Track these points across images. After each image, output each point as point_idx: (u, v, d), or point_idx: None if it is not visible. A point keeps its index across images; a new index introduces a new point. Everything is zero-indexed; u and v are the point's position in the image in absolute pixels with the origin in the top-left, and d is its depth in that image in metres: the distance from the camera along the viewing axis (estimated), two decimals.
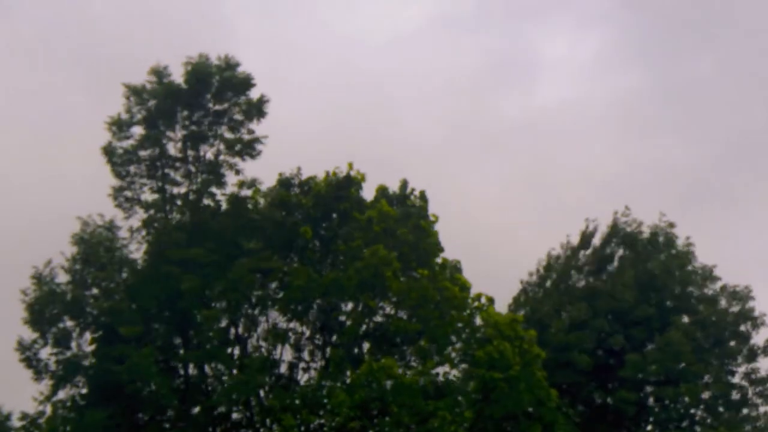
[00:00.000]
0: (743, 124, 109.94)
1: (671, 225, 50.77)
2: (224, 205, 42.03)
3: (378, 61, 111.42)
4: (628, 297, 47.74)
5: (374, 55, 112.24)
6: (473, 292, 40.53)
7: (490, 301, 40.91)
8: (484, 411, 39.00)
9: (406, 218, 41.66)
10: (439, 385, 39.40)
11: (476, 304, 40.18)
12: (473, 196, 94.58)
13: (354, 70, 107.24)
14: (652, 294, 48.59)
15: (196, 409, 40.21)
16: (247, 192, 42.16)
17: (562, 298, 49.58)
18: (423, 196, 43.91)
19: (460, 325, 39.73)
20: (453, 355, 39.93)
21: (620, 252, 51.04)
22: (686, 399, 46.69)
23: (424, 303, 39.46)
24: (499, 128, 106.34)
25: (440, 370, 40.02)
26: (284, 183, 42.66)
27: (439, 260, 41.52)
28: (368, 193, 42.75)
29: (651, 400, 47.59)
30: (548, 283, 51.26)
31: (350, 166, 42.61)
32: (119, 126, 42.05)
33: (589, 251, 51.30)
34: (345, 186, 42.41)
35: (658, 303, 48.42)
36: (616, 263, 50.72)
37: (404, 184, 44.43)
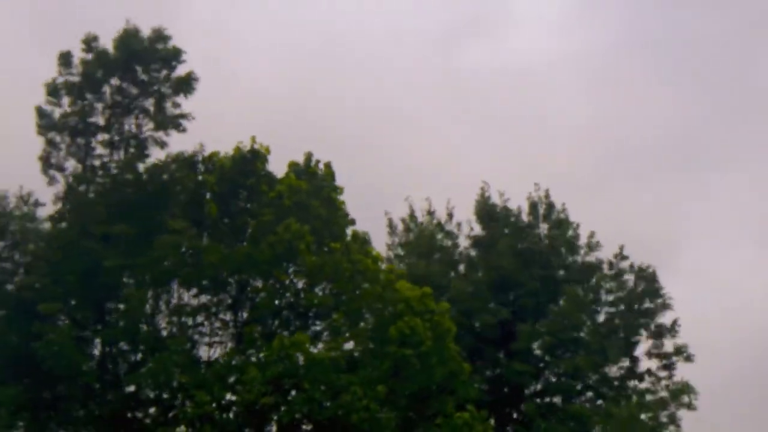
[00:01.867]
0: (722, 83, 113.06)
1: (547, 195, 51.25)
2: (146, 179, 41.01)
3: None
4: (508, 265, 48.04)
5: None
6: None
7: (402, 274, 40.97)
8: (397, 386, 38.97)
9: (317, 191, 41.29)
10: (351, 360, 39.19)
11: (389, 276, 40.06)
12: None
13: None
14: (535, 265, 49.04)
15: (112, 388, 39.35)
16: (171, 166, 41.25)
17: (446, 269, 49.71)
18: (329, 168, 43.44)
19: (373, 299, 39.57)
20: (366, 330, 39.75)
21: (496, 225, 51.25)
22: (584, 371, 47.39)
23: (338, 277, 39.24)
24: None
25: (353, 344, 39.84)
26: (189, 161, 41.73)
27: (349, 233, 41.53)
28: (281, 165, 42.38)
29: (548, 372, 48.15)
30: (436, 255, 51.13)
31: (253, 140, 42.02)
32: (52, 92, 40.98)
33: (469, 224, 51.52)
34: (250, 160, 41.75)
35: (544, 275, 48.90)
36: (497, 236, 50.80)
37: (309, 156, 43.88)
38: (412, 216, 52.15)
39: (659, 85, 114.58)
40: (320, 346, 39.40)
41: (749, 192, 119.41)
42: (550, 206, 51.07)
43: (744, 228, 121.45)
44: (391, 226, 52.11)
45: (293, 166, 42.50)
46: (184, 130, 41.62)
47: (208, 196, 41.10)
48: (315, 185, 41.71)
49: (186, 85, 41.89)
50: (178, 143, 42.05)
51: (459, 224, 51.44)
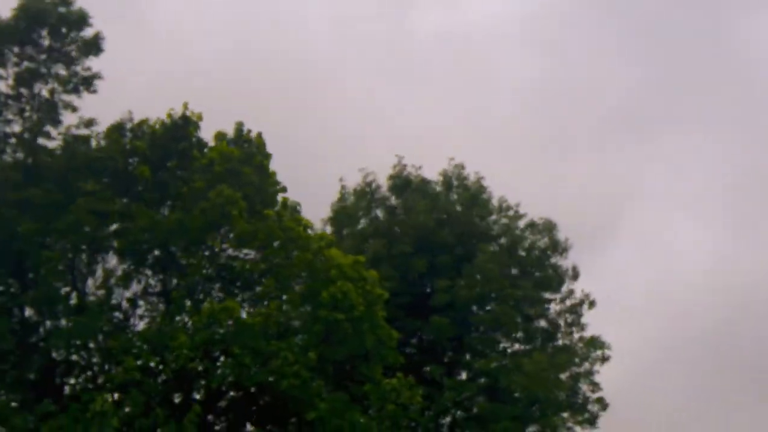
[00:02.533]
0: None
1: (461, 167, 51.87)
2: (60, 145, 40.50)
3: None
4: (426, 221, 48.56)
5: None
6: None
7: (332, 241, 41.20)
8: (327, 352, 39.21)
9: (249, 158, 41.23)
10: (282, 327, 39.33)
11: (319, 244, 40.24)
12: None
13: None
14: (451, 225, 49.66)
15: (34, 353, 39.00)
16: (85, 131, 40.83)
17: (360, 236, 50.05)
18: (260, 137, 43.38)
19: (303, 266, 39.72)
20: (297, 296, 39.91)
21: (412, 194, 51.65)
22: (500, 327, 48.17)
23: (270, 243, 39.32)
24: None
25: (283, 311, 39.98)
26: (117, 128, 41.38)
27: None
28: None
29: (466, 329, 48.66)
30: (346, 231, 51.32)
31: (185, 106, 41.74)
32: None
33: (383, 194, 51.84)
34: (182, 127, 41.54)
35: (460, 234, 49.57)
36: (410, 201, 51.29)
37: (240, 126, 43.73)
38: (369, 183, 52.34)
39: (608, 49, 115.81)
40: (250, 312, 39.48)
41: (693, 157, 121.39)
42: (465, 179, 51.67)
43: (687, 193, 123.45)
44: (342, 192, 52.40)
45: (223, 135, 42.32)
46: (95, 91, 41.10)
47: (138, 161, 40.79)
48: (246, 153, 41.63)
49: (93, 46, 41.34)
50: (92, 109, 41.56)
51: (373, 194, 51.66)
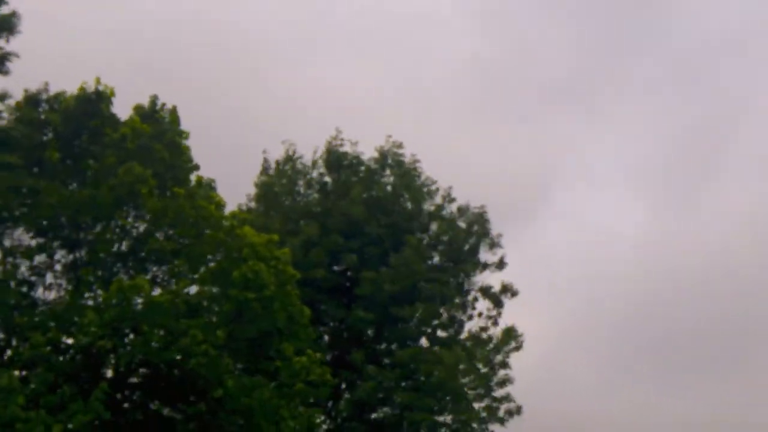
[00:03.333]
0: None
1: (399, 145, 51.85)
2: None
3: None
4: (357, 213, 48.67)
5: None
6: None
7: (246, 219, 41.15)
8: (237, 331, 39.27)
9: (161, 135, 40.96)
10: (192, 305, 39.26)
11: (232, 222, 40.16)
12: None
13: None
14: (381, 214, 49.68)
15: None
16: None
17: (291, 215, 49.97)
18: (174, 113, 43.05)
19: (215, 245, 39.64)
20: (208, 274, 39.84)
21: (346, 173, 51.73)
22: (421, 318, 48.50)
23: (180, 222, 39.18)
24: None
25: (194, 289, 39.91)
26: (31, 100, 40.81)
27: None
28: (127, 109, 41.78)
29: (388, 319, 48.97)
30: (281, 203, 51.17)
31: (98, 80, 41.25)
32: None
33: (315, 170, 51.70)
34: (95, 101, 41.09)
35: (390, 223, 49.63)
36: (343, 183, 51.45)
37: (154, 100, 43.36)
38: (290, 158, 52.03)
39: (545, 22, 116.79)
40: (160, 290, 39.35)
41: (626, 134, 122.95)
42: (400, 157, 51.64)
43: (618, 170, 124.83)
44: (265, 166, 52.08)
45: (138, 109, 41.98)
46: (6, 72, 40.44)
47: (50, 135, 40.32)
48: (159, 129, 41.34)
49: (7, 24, 40.60)
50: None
51: (306, 172, 51.48)
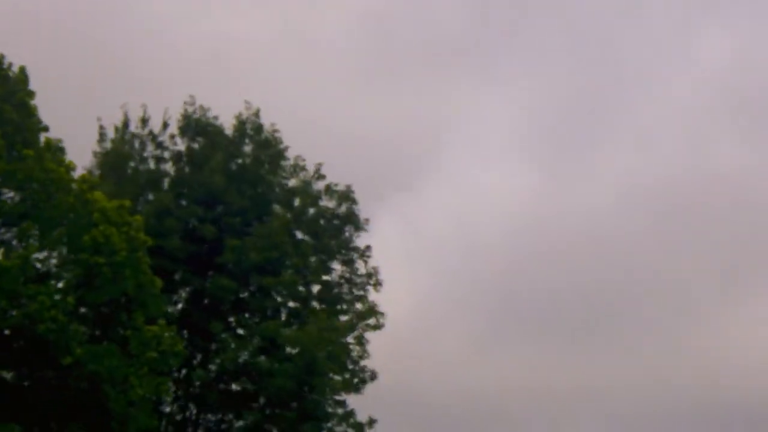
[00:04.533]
0: None
1: (256, 113, 51.45)
2: None
3: None
4: (218, 183, 48.23)
5: None
6: None
7: (96, 184, 40.37)
8: (86, 296, 38.59)
9: (9, 95, 39.74)
10: (40, 270, 38.38)
11: (82, 186, 39.32)
12: None
13: None
14: (243, 184, 49.38)
15: None
16: None
17: (145, 184, 49.27)
18: (23, 72, 41.77)
19: (65, 208, 38.75)
20: (57, 238, 38.97)
21: (203, 141, 50.93)
22: (284, 290, 48.37)
23: (29, 184, 38.14)
24: None
25: (43, 254, 39.00)
26: None
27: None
28: None
29: (250, 289, 48.67)
30: (129, 170, 50.17)
31: None
32: None
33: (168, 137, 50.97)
34: None
35: (252, 195, 49.36)
36: (200, 152, 50.53)
37: (0, 58, 41.95)
38: (125, 124, 50.88)
39: None
40: (8, 254, 38.26)
41: (515, 99, 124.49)
42: (259, 126, 51.17)
43: (509, 138, 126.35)
44: (102, 133, 50.77)
45: None
46: None
47: None
48: (7, 89, 40.12)
49: None
50: None
51: (156, 137, 50.55)
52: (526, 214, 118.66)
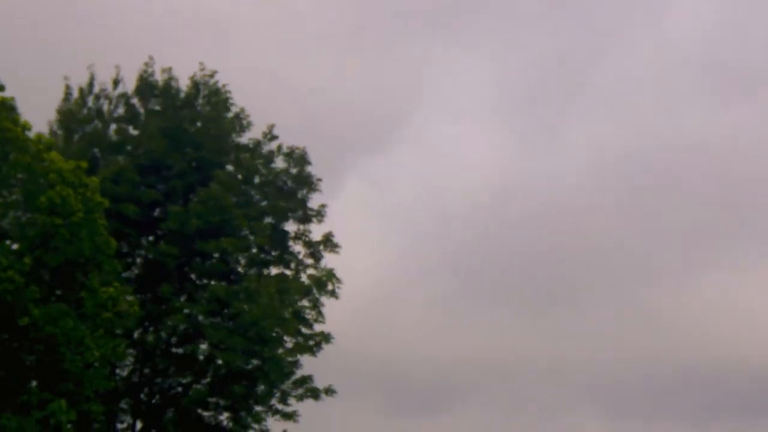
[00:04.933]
0: None
1: (212, 75, 50.92)
2: None
3: None
4: (160, 146, 47.86)
5: None
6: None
7: (52, 144, 39.92)
8: (43, 258, 38.27)
9: None
10: None
11: (38, 146, 38.87)
12: None
13: None
14: (187, 147, 49.01)
15: None
16: None
17: (91, 149, 48.78)
18: None
19: (20, 168, 38.31)
20: (13, 199, 38.58)
21: (154, 103, 50.45)
22: (230, 253, 48.04)
23: None
24: None
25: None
26: None
27: None
28: None
29: (195, 254, 48.33)
30: (76, 137, 49.58)
31: None
32: None
33: (117, 101, 50.42)
34: None
35: (198, 157, 49.01)
36: (148, 114, 50.10)
37: None
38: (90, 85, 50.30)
39: None
40: None
41: (488, 63, 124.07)
42: (215, 89, 50.69)
43: (481, 102, 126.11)
44: (68, 93, 50.18)
45: None
46: None
47: None
48: None
49: None
50: None
51: (109, 98, 50.02)
52: (496, 180, 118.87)
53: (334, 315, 49.22)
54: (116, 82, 50.02)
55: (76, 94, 50.19)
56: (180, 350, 47.46)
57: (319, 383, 47.93)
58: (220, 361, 46.35)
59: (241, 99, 51.12)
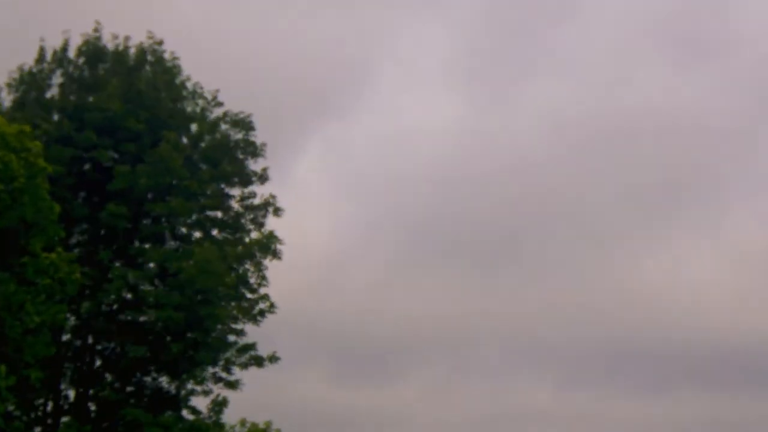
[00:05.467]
0: None
1: (160, 42, 50.59)
2: None
3: None
4: (114, 107, 47.45)
5: None
6: None
7: None
8: None
9: None
10: None
11: None
12: None
13: None
14: (141, 110, 48.61)
15: None
16: None
17: (40, 113, 48.20)
18: None
19: None
20: None
21: (105, 67, 49.97)
22: (177, 216, 47.92)
23: None
24: None
25: None
26: None
27: None
28: None
29: (143, 217, 48.15)
30: (33, 95, 49.08)
31: None
32: None
33: (68, 67, 49.87)
34: None
35: (148, 119, 48.64)
36: (101, 78, 49.51)
37: None
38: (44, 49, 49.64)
39: None
40: None
41: (443, 27, 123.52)
42: (160, 57, 50.36)
43: (436, 64, 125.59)
44: (41, 55, 49.50)
45: None
46: None
47: None
48: None
49: None
50: None
51: (63, 62, 49.42)
52: (451, 141, 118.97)
53: (284, 277, 49.32)
54: (65, 49, 49.51)
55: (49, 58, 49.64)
56: (121, 316, 47.19)
57: (269, 348, 48.22)
58: (160, 325, 46.21)
59: (193, 66, 50.95)
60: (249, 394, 48.61)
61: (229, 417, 48.90)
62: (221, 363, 47.78)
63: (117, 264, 46.82)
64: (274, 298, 48.58)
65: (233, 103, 50.63)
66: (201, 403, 47.90)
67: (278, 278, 49.04)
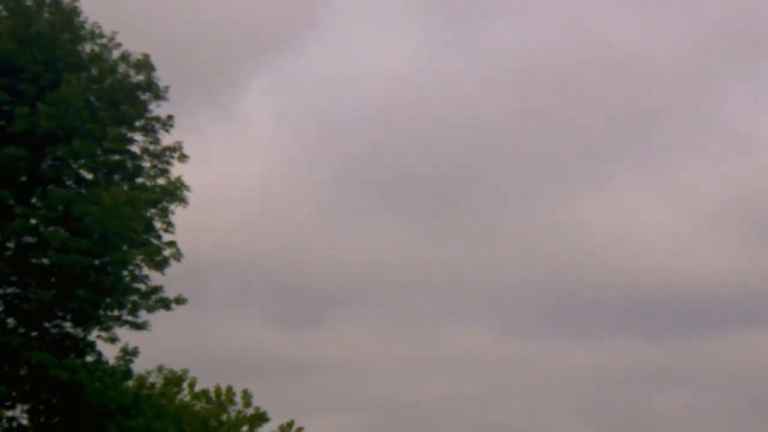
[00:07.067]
0: None
1: None
2: None
3: None
4: (9, 46, 46.18)
5: None
6: None
7: None
8: None
9: None
10: None
11: None
12: None
13: None
14: (38, 51, 47.43)
15: None
16: None
17: None
18: None
19: None
20: None
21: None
22: (79, 159, 47.02)
23: None
24: None
25: None
26: None
27: None
28: None
29: (44, 159, 47.07)
30: None
31: None
32: None
33: None
34: None
35: (46, 61, 47.50)
36: None
37: None
38: None
39: None
40: None
41: None
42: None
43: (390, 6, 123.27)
44: None
45: None
46: None
47: None
48: None
49: None
50: None
51: None
52: (400, 84, 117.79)
53: (221, 221, 48.91)
54: None
55: None
56: (24, 259, 46.19)
57: (208, 292, 47.85)
58: (66, 270, 45.34)
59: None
60: (186, 337, 48.21)
61: (147, 363, 48.42)
62: (128, 307, 47.23)
63: (18, 206, 45.67)
64: (202, 236, 48.11)
65: (174, 36, 49.75)
66: (111, 352, 47.52)
67: (211, 217, 48.52)
